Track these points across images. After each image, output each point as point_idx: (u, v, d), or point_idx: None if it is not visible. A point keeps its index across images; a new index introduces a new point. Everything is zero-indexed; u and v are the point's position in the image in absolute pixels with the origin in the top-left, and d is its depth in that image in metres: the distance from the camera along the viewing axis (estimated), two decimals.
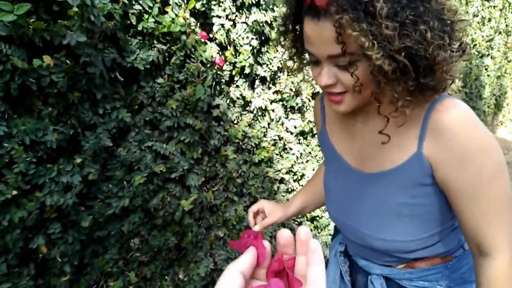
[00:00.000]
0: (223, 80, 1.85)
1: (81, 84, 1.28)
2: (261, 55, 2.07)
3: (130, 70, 1.44)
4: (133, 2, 1.37)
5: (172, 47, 1.54)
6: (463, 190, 0.72)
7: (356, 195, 0.91)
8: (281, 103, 2.27)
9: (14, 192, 1.16)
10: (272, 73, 2.14)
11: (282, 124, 2.29)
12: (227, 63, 1.84)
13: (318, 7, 0.67)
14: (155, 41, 1.48)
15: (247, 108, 2.04)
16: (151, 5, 1.42)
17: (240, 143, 2.00)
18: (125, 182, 1.48)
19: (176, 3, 1.51)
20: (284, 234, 0.42)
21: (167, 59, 1.55)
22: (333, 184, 1.00)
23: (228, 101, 1.91)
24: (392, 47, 0.63)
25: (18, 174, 1.17)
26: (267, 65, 2.10)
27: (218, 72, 1.80)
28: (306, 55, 0.88)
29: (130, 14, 1.37)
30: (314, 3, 0.67)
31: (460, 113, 0.72)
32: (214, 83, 1.77)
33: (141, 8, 1.39)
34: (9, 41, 1.08)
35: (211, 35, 1.74)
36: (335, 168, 0.99)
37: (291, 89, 2.27)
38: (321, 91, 0.90)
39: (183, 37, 1.54)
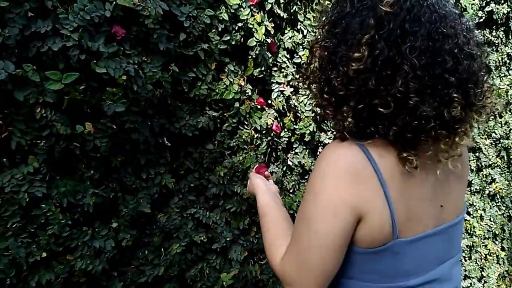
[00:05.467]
0: (280, 147, 1.75)
1: (125, 149, 1.29)
2: (325, 122, 1.95)
3: (178, 136, 1.42)
4: (187, 70, 1.37)
5: (225, 114, 1.50)
6: None
7: None
8: None
9: (44, 254, 1.16)
10: None
11: None
12: (285, 129, 1.75)
13: None
14: (206, 108, 1.46)
15: (306, 177, 1.90)
16: (205, 72, 1.41)
17: (295, 214, 1.85)
18: (162, 250, 1.42)
19: (232, 70, 1.48)
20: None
21: (219, 126, 1.51)
22: None
23: (285, 168, 1.80)
24: None
25: (51, 236, 1.17)
26: (333, 132, 1.96)
27: (275, 139, 1.71)
28: None
29: (183, 81, 1.37)
30: None
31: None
32: (269, 150, 1.68)
33: (194, 75, 1.39)
34: (56, 107, 1.12)
35: (269, 101, 1.68)
36: None
37: None
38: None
39: (236, 104, 1.50)
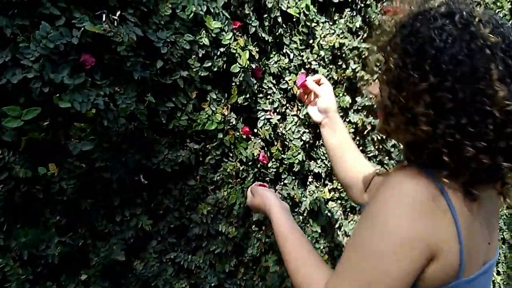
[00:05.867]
0: (267, 179, 1.64)
1: (96, 190, 1.15)
2: (315, 149, 1.85)
3: (156, 172, 1.29)
4: (165, 100, 1.26)
5: (208, 146, 1.38)
6: None
7: None
8: (339, 202, 1.99)
9: None
10: (329, 168, 1.89)
11: (340, 227, 1.98)
12: (273, 159, 1.63)
13: None
14: (187, 140, 1.33)
15: (296, 210, 1.78)
16: (185, 101, 1.29)
17: None
18: None
19: (215, 99, 1.37)
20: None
21: (201, 159, 1.38)
22: None
23: None
24: None
25: None
26: (323, 160, 1.86)
27: (262, 170, 1.59)
28: None
29: (160, 112, 1.25)
30: None
31: None
32: (256, 182, 1.56)
33: (173, 105, 1.27)
34: (15, 147, 0.98)
35: (255, 130, 1.57)
36: None
37: None
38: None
39: (220, 134, 1.38)
